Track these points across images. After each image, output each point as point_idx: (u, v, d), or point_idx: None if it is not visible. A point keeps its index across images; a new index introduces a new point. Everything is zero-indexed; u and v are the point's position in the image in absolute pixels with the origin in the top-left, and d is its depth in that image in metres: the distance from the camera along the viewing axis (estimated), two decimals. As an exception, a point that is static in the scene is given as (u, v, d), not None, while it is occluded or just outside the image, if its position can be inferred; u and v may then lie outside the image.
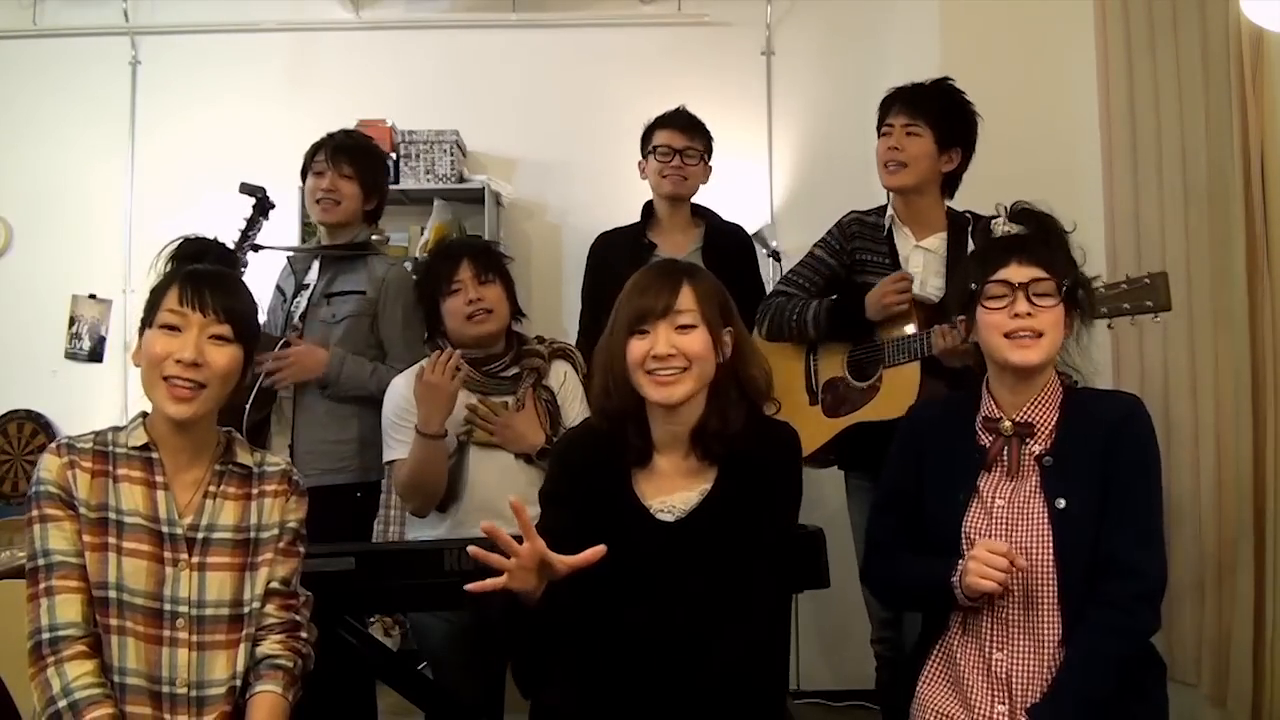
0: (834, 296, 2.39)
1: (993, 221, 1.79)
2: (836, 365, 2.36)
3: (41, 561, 1.46)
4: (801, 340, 2.45)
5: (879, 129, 2.42)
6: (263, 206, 2.54)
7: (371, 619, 3.50)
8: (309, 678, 1.60)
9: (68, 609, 1.44)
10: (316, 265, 2.61)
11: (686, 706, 1.52)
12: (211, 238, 1.78)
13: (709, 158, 2.85)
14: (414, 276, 2.57)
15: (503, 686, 2.30)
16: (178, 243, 1.70)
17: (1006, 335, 1.61)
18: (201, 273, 1.57)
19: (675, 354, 1.54)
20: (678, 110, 2.86)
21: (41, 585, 1.45)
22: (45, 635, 1.43)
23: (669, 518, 1.60)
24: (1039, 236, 1.68)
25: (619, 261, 2.77)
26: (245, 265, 2.50)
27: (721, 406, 1.60)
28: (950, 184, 2.42)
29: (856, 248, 2.41)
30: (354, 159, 2.55)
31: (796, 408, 2.40)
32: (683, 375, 1.55)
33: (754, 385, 1.64)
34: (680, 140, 2.76)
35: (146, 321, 1.56)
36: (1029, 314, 1.60)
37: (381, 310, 2.52)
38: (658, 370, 1.55)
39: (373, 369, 2.45)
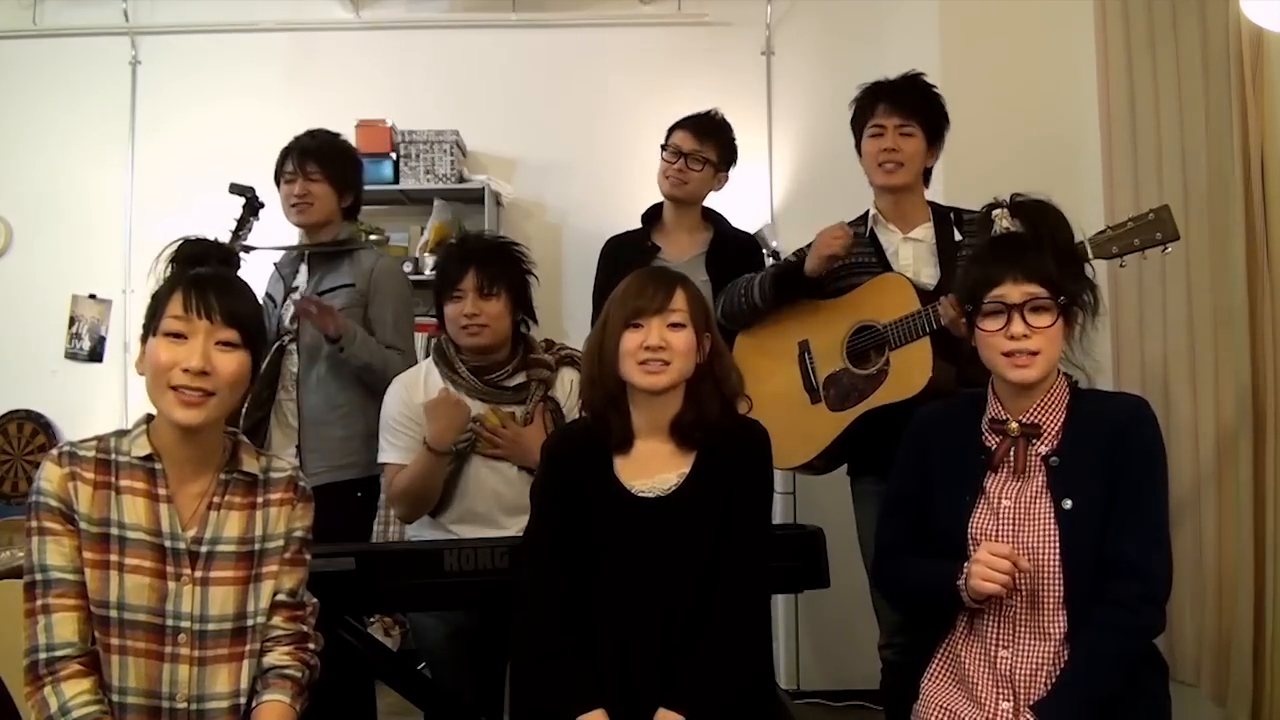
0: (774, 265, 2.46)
1: (994, 212, 1.78)
2: (835, 358, 2.34)
3: (39, 577, 1.44)
4: (749, 311, 2.47)
5: (863, 127, 2.41)
6: (253, 206, 2.56)
7: (371, 619, 3.51)
8: (314, 683, 1.59)
9: (64, 628, 1.42)
10: (305, 268, 2.61)
11: (669, 682, 1.59)
12: (212, 238, 1.76)
13: (725, 168, 2.78)
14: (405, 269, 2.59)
15: (503, 686, 2.29)
16: (177, 244, 1.65)
17: (1004, 354, 1.61)
18: (205, 277, 1.52)
19: (665, 346, 1.70)
20: (704, 113, 2.78)
21: (39, 603, 1.43)
22: (42, 655, 1.41)
23: (649, 495, 1.72)
24: (1035, 243, 1.67)
25: (626, 264, 2.75)
26: (239, 266, 2.51)
27: (699, 400, 1.76)
28: (926, 177, 2.45)
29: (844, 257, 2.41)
30: (321, 160, 2.55)
31: (798, 410, 2.38)
32: (668, 367, 1.71)
33: (728, 382, 1.80)
34: (690, 143, 2.70)
35: (149, 328, 1.52)
36: (1025, 335, 1.59)
37: (371, 299, 2.53)
38: (648, 360, 1.70)
39: (378, 344, 2.48)
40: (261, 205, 2.58)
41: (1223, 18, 2.37)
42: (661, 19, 3.93)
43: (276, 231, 2.63)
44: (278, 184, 2.61)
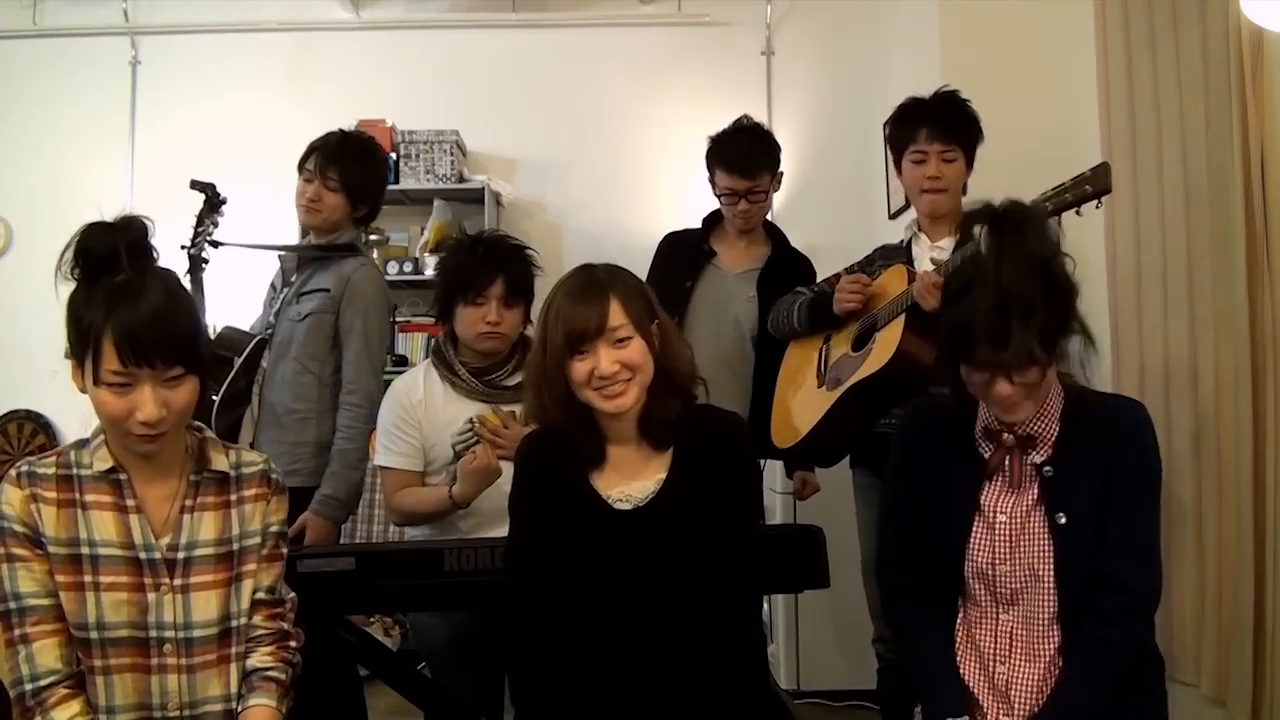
0: (814, 289, 2.46)
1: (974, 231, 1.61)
2: (845, 345, 2.39)
3: (13, 605, 1.40)
4: (791, 333, 2.51)
5: (903, 149, 2.38)
6: (213, 203, 2.56)
7: (371, 619, 3.51)
8: (297, 680, 1.58)
9: (45, 655, 1.39)
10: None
11: (664, 691, 1.55)
12: (112, 220, 1.54)
13: (777, 175, 2.69)
14: (384, 281, 2.60)
15: (502, 686, 2.29)
16: (79, 237, 1.48)
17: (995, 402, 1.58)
18: (135, 325, 1.37)
19: (619, 368, 1.58)
20: (736, 145, 2.64)
21: (16, 633, 1.40)
22: (28, 686, 1.39)
23: (627, 506, 1.64)
24: (1018, 322, 1.49)
25: (679, 264, 2.74)
26: (206, 262, 2.54)
27: (660, 395, 1.64)
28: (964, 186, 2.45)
29: (879, 268, 2.43)
30: (343, 168, 2.48)
31: (806, 393, 2.44)
32: (629, 384, 1.59)
33: (677, 371, 1.66)
34: (743, 184, 2.61)
35: (79, 355, 1.41)
36: (1011, 393, 1.54)
37: (344, 307, 2.44)
38: (605, 386, 1.58)
39: (340, 457, 2.37)
40: (223, 201, 2.57)
41: (1223, 18, 2.37)
42: (661, 19, 3.94)
43: (279, 228, 2.61)
44: (300, 171, 2.54)
